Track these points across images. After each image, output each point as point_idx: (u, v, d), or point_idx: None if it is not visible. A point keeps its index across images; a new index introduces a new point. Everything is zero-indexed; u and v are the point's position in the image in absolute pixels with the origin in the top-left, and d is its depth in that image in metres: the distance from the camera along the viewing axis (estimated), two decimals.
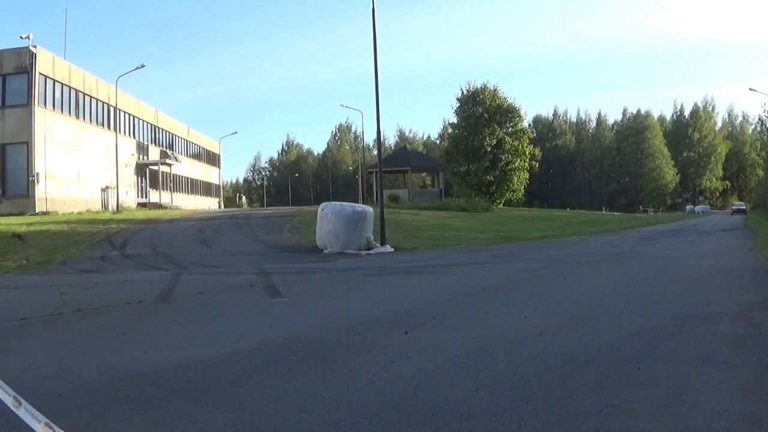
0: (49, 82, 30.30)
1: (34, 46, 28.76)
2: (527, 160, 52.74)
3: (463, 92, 53.15)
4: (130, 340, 5.82)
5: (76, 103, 33.20)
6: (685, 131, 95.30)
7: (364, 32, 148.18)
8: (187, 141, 53.33)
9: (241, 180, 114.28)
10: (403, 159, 50.38)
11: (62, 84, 31.56)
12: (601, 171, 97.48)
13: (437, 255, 16.39)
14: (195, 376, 4.39)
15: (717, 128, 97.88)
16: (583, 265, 12.44)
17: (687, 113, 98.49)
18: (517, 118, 52.92)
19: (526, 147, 52.50)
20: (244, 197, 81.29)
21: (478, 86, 52.55)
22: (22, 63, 28.77)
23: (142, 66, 37.29)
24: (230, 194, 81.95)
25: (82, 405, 3.75)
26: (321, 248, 17.68)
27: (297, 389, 4.01)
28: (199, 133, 57.39)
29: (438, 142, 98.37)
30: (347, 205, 18.76)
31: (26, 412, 1.70)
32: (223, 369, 4.57)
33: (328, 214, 17.83)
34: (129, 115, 40.26)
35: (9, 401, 1.73)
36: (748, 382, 3.93)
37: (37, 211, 27.81)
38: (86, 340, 6.01)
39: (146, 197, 41.86)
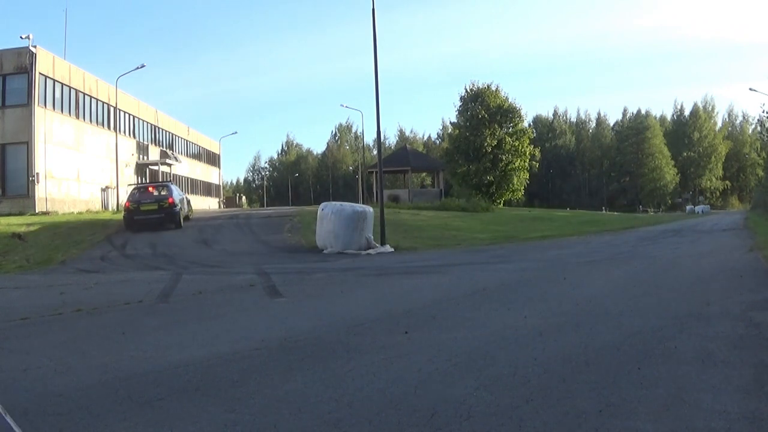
0: (49, 82, 30.26)
1: (34, 46, 28.74)
2: (527, 160, 52.72)
3: (466, 91, 53.14)
4: (130, 340, 5.82)
5: (76, 103, 33.18)
6: (685, 131, 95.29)
7: (364, 32, 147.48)
8: (187, 141, 53.33)
9: (241, 180, 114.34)
10: (403, 159, 50.34)
11: (62, 84, 31.53)
12: (601, 171, 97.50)
13: (437, 255, 16.38)
14: (195, 376, 4.39)
15: (717, 128, 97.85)
16: (583, 265, 12.43)
17: (687, 113, 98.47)
18: (518, 119, 52.92)
19: (527, 147, 52.48)
20: (244, 197, 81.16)
21: (482, 86, 52.56)
22: (22, 63, 28.74)
23: (142, 66, 37.32)
24: (230, 194, 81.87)
25: (82, 405, 3.75)
26: (321, 248, 17.67)
27: (297, 389, 4.01)
28: (199, 133, 57.39)
29: (438, 142, 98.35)
30: (347, 205, 18.74)
31: None
32: (223, 369, 4.57)
33: (328, 214, 17.81)
34: (129, 115, 40.26)
35: None
36: (748, 382, 3.93)
37: (37, 211, 27.77)
38: (86, 340, 6.00)
39: None
